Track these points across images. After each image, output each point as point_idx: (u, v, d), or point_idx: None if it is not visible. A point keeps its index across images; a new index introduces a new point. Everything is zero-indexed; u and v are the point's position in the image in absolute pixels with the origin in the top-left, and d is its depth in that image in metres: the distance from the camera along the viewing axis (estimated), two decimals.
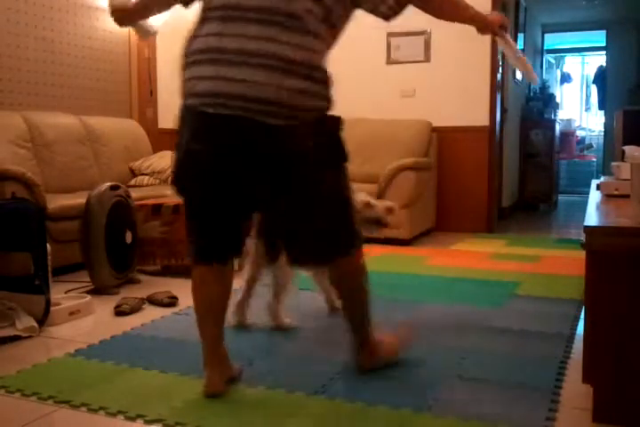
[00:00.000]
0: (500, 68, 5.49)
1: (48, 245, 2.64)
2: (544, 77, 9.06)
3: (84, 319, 2.71)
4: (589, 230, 1.64)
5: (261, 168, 1.69)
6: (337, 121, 1.77)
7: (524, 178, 7.40)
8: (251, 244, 2.44)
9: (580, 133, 9.88)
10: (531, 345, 2.32)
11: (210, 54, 1.64)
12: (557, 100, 8.70)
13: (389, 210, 2.54)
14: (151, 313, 2.78)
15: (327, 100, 1.72)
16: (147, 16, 2.02)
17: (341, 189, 1.83)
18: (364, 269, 1.97)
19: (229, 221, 1.83)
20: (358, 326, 1.99)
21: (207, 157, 1.71)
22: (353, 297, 1.99)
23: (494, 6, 4.94)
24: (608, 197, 2.40)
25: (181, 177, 1.81)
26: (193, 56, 1.68)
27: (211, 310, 1.88)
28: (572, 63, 10.79)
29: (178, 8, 1.94)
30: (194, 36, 1.71)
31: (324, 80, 1.70)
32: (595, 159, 9.37)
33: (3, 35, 4.13)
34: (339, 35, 1.78)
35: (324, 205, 1.77)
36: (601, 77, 9.26)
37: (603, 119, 9.41)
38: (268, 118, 1.61)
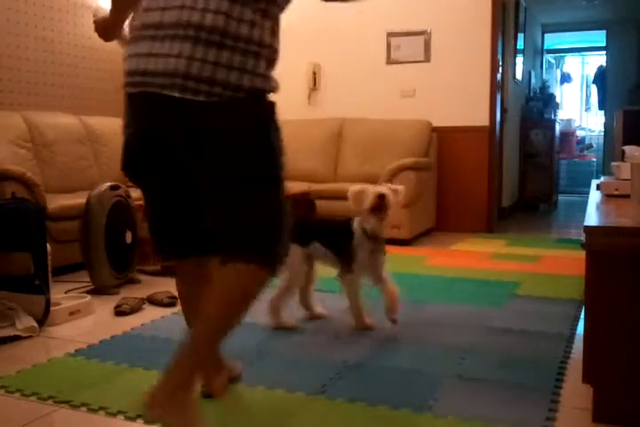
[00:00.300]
0: (500, 68, 5.49)
1: (48, 245, 2.64)
2: (544, 77, 9.07)
3: (84, 319, 2.71)
4: (589, 230, 1.64)
5: (185, 151, 1.54)
6: (269, 106, 1.54)
7: (523, 178, 7.40)
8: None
9: (580, 133, 9.89)
10: (531, 345, 2.31)
11: (137, 31, 1.54)
12: (557, 100, 8.71)
13: (379, 197, 2.26)
14: (151, 313, 2.78)
15: (263, 78, 1.51)
16: (123, 20, 1.98)
17: (263, 183, 1.52)
18: (253, 299, 1.51)
19: (176, 210, 1.68)
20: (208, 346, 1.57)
21: (136, 141, 1.60)
22: (231, 311, 1.51)
23: (494, 6, 4.94)
24: (608, 197, 2.40)
25: (123, 163, 1.68)
26: (129, 35, 1.59)
27: (192, 309, 1.78)
28: (571, 63, 10.79)
29: None
30: (133, 16, 1.61)
31: (259, 55, 1.49)
32: (595, 159, 9.37)
33: (3, 35, 4.12)
34: (281, 6, 1.58)
35: (236, 196, 1.52)
36: (601, 77, 9.27)
37: (603, 119, 9.42)
38: (186, 94, 1.45)
